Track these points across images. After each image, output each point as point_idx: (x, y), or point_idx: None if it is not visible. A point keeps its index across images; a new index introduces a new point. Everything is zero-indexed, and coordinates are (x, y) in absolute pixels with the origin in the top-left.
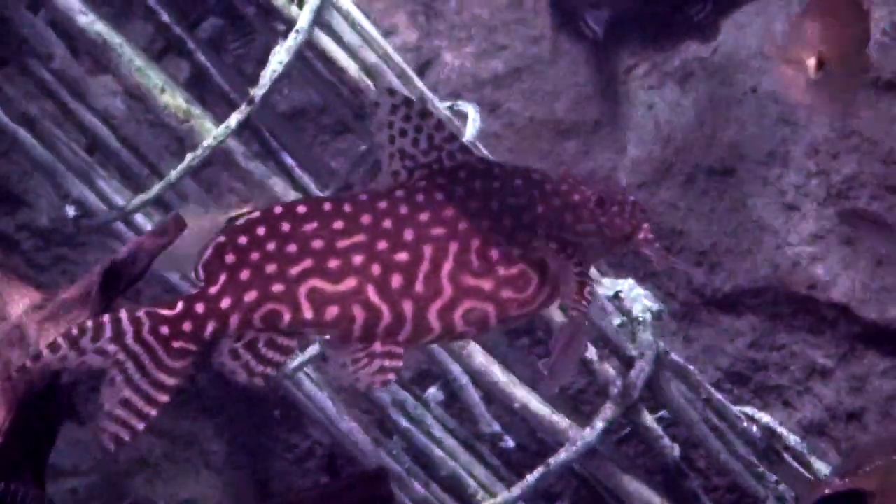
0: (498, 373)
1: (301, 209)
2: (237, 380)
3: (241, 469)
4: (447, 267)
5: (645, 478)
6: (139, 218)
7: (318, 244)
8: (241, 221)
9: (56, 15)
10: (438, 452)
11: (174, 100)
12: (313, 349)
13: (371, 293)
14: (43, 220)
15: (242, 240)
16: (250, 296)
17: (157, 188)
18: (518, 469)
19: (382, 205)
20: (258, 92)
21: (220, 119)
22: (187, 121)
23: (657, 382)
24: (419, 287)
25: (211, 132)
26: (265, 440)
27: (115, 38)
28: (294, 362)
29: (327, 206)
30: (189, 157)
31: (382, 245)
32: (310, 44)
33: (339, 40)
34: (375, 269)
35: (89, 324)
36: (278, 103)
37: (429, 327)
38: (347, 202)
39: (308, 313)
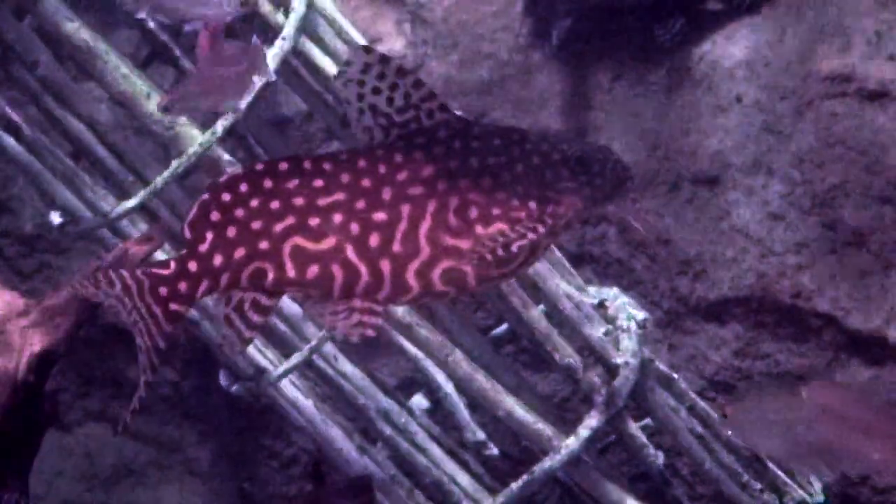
0: (483, 380)
1: (282, 166)
2: (229, 350)
3: (225, 476)
4: (425, 226)
5: (629, 486)
6: (124, 225)
7: (299, 201)
8: (223, 178)
9: (41, 21)
10: (423, 460)
11: None
12: (297, 356)
13: (350, 252)
14: (27, 227)
15: (226, 197)
16: (239, 253)
17: (142, 195)
18: (502, 477)
19: (362, 164)
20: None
21: (205, 126)
22: (172, 128)
23: (642, 390)
24: (397, 246)
25: (196, 139)
26: (249, 447)
27: (100, 45)
28: (278, 369)
29: (308, 164)
30: (174, 163)
31: (361, 204)
32: (295, 51)
33: (324, 48)
34: (354, 227)
35: (101, 274)
36: (263, 111)
37: (407, 286)
38: (328, 161)
39: (291, 272)
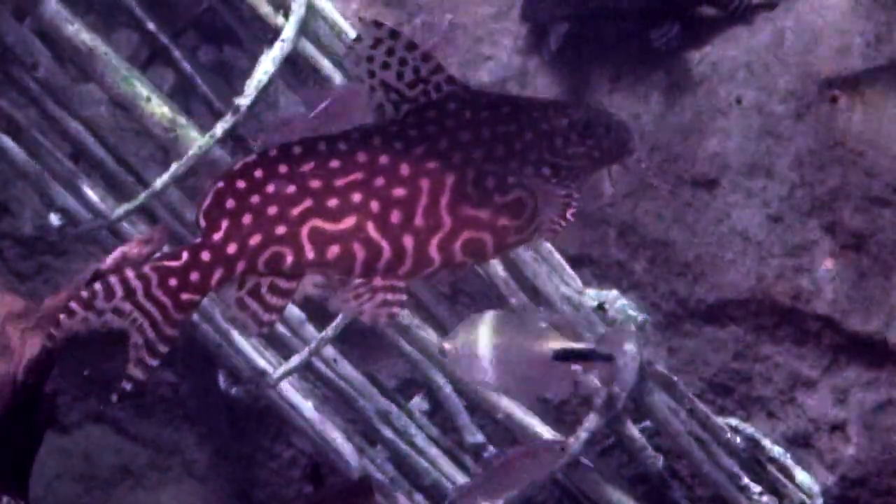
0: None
1: (296, 150)
2: (248, 333)
3: (223, 478)
4: (445, 199)
5: (628, 488)
6: (124, 227)
7: (316, 184)
8: (237, 165)
9: (42, 23)
10: (422, 462)
11: (159, 109)
12: (297, 358)
13: (371, 230)
14: (26, 229)
15: (241, 184)
16: (254, 240)
17: (142, 197)
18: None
19: (377, 142)
20: (243, 101)
21: (205, 128)
22: (172, 130)
23: (641, 393)
24: (419, 221)
25: (196, 141)
26: (248, 449)
27: (100, 47)
28: (278, 371)
29: (322, 145)
30: (174, 166)
31: (380, 182)
32: (295, 53)
33: (324, 50)
34: (374, 205)
35: (97, 286)
36: (263, 113)
37: (429, 260)
38: (342, 141)
39: (310, 254)
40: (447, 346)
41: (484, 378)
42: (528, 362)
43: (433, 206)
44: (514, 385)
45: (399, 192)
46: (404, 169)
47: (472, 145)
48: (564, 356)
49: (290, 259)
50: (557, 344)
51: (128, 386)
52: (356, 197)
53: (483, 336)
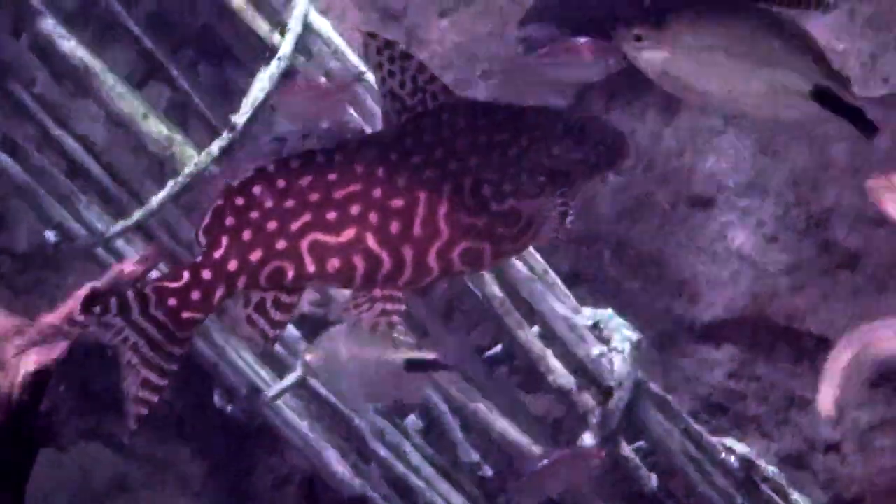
0: (477, 401)
1: (294, 163)
2: (257, 349)
3: (219, 493)
4: (443, 208)
5: None
6: (120, 244)
7: (314, 197)
8: (236, 182)
9: (38, 39)
10: (416, 480)
11: (156, 126)
12: (292, 377)
13: (371, 241)
14: (22, 244)
15: (240, 200)
16: (255, 255)
17: (138, 214)
18: (495, 498)
19: (373, 152)
20: (240, 119)
21: (201, 145)
22: (169, 147)
23: (636, 412)
24: (417, 231)
25: (192, 159)
26: (243, 465)
27: (97, 64)
28: (274, 389)
29: (319, 158)
30: (170, 183)
31: (378, 193)
32: (292, 70)
33: (320, 67)
34: (373, 216)
35: (99, 309)
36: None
37: (428, 269)
38: (338, 152)
39: (311, 267)
40: (309, 357)
41: (343, 388)
42: (383, 373)
43: (431, 216)
44: (370, 394)
45: (397, 202)
46: (402, 179)
47: (468, 153)
48: (416, 366)
49: (291, 273)
50: (408, 355)
51: (135, 418)
52: (355, 209)
53: (342, 348)
